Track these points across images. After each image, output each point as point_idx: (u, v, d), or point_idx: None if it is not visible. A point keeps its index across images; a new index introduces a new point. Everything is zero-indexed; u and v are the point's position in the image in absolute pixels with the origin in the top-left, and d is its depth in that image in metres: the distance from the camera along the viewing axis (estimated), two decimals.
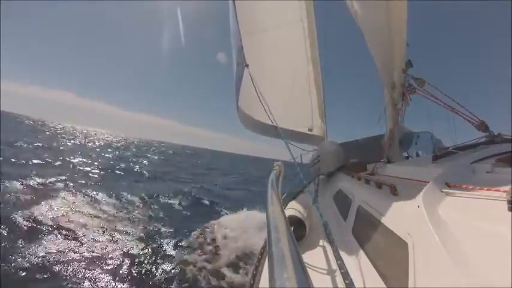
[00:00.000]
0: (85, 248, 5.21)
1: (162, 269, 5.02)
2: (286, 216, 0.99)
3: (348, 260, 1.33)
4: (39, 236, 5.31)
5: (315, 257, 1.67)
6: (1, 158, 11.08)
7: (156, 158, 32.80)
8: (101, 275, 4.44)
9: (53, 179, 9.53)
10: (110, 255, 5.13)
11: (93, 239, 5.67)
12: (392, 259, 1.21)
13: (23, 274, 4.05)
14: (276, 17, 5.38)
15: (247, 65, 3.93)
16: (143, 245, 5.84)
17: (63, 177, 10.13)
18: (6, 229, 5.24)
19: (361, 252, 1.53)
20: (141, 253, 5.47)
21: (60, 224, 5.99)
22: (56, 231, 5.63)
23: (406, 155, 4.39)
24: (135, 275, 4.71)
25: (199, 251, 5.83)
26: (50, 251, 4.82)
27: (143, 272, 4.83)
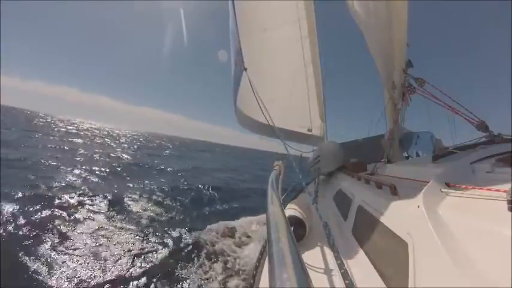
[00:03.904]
0: None
1: None
2: (286, 216, 0.99)
3: (348, 260, 1.33)
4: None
5: (315, 257, 1.67)
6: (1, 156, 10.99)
7: None
8: None
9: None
10: None
11: None
12: (392, 259, 1.21)
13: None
14: (275, 17, 5.36)
15: (245, 69, 3.90)
16: None
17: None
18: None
19: (361, 252, 1.52)
20: None
21: None
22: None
23: (406, 155, 4.39)
24: None
25: None
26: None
27: None
